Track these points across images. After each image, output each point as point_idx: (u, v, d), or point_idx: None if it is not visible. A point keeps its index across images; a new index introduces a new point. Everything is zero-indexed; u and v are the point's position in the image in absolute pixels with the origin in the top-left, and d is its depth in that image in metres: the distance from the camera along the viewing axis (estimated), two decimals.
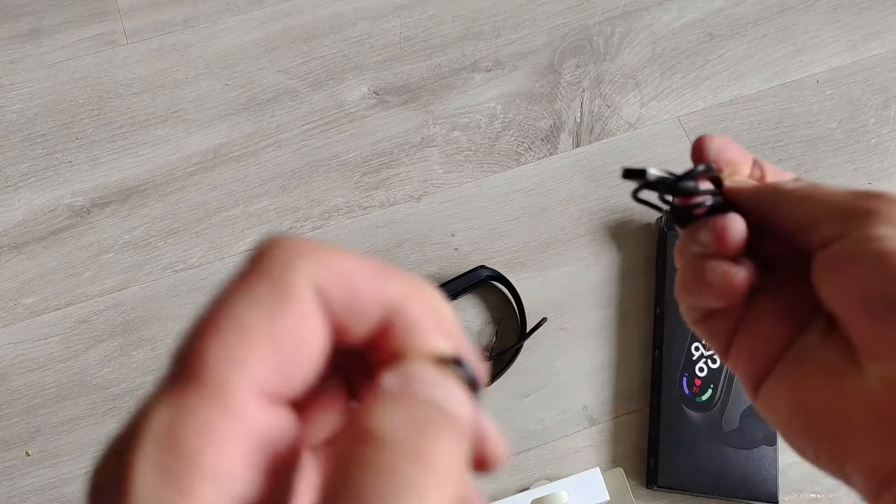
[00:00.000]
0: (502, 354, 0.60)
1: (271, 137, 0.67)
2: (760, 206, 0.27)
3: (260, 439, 0.15)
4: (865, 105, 0.69)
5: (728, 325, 0.28)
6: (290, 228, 0.64)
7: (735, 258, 0.27)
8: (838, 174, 0.66)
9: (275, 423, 0.15)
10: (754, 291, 0.28)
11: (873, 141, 0.68)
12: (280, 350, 0.15)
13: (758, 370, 0.27)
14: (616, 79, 0.69)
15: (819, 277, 0.24)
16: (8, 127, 0.67)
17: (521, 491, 0.56)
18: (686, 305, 0.29)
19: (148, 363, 0.60)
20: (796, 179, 0.28)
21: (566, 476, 0.56)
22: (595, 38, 0.71)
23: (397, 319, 0.16)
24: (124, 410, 0.59)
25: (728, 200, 0.29)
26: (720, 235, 0.27)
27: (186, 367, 0.14)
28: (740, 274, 0.27)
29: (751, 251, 0.28)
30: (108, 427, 0.59)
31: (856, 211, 0.24)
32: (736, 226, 0.27)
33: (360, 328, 0.16)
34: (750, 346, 0.27)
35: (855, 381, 0.23)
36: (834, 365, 0.24)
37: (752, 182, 0.29)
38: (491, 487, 0.57)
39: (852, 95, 0.69)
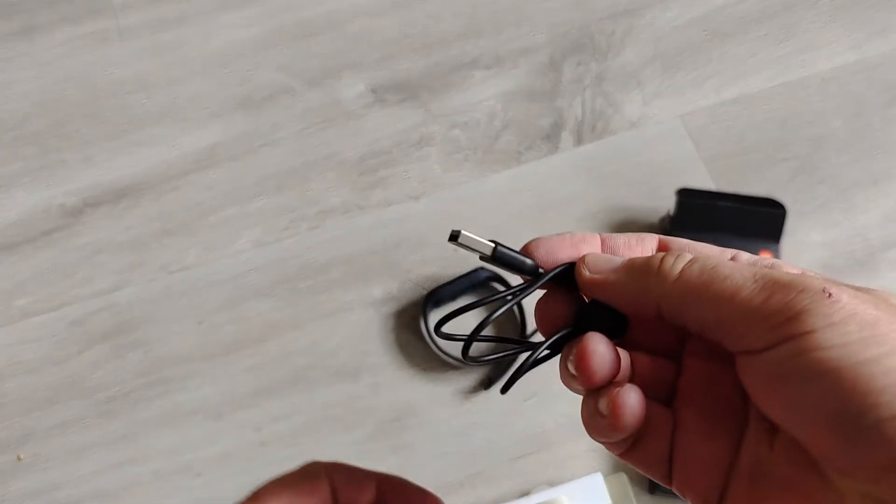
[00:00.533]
0: (502, 357, 0.59)
1: (268, 136, 0.66)
2: (641, 301, 0.24)
3: None
4: (870, 104, 0.68)
5: (659, 453, 0.25)
6: (287, 228, 0.63)
7: (617, 377, 0.24)
8: (843, 173, 0.66)
9: None
10: (671, 398, 0.25)
11: (878, 140, 0.67)
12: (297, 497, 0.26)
13: (709, 496, 0.24)
14: (618, 77, 0.68)
15: (756, 391, 0.22)
16: (0, 126, 0.66)
17: (522, 496, 0.55)
18: (601, 444, 0.26)
19: (142, 365, 0.59)
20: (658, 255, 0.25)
21: (567, 481, 0.55)
22: (596, 36, 0.70)
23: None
24: (118, 413, 0.58)
25: (597, 306, 0.25)
26: (580, 369, 0.24)
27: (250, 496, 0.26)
28: (629, 398, 0.24)
29: (652, 336, 0.25)
30: (101, 430, 0.58)
31: (779, 314, 0.21)
32: (595, 351, 0.24)
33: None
34: (691, 471, 0.24)
35: (831, 500, 0.21)
36: (798, 482, 0.22)
37: (618, 262, 0.25)
38: (491, 493, 0.56)
39: (857, 94, 0.68)
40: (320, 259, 0.63)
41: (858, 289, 0.22)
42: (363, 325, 0.61)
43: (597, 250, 0.27)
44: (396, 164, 0.66)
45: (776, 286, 0.21)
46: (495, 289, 0.62)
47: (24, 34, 0.69)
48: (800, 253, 0.63)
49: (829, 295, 0.21)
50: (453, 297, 0.61)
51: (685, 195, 0.61)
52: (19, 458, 0.57)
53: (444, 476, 0.57)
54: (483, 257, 0.26)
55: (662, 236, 0.27)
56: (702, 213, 0.61)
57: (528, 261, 0.26)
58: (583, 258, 0.26)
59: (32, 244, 0.63)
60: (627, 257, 0.26)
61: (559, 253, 0.26)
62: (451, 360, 0.59)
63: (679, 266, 0.23)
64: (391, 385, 0.59)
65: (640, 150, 0.66)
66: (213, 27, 0.69)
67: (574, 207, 0.64)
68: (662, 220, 0.63)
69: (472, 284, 0.61)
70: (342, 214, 0.64)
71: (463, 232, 0.26)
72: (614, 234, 0.27)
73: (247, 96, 0.67)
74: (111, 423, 0.58)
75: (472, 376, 0.59)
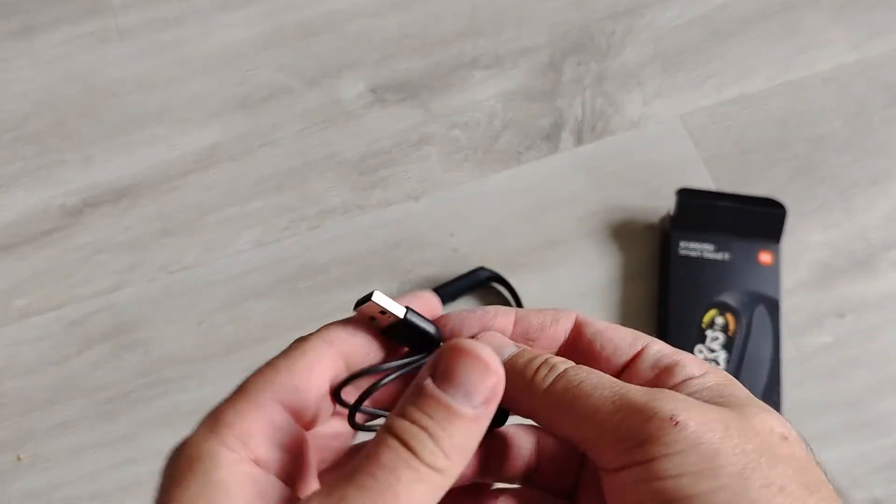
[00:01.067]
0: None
1: (267, 136, 0.66)
2: (513, 405, 0.25)
3: (269, 422, 0.23)
4: (870, 104, 0.68)
5: None
6: (287, 228, 0.63)
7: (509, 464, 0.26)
8: (843, 173, 0.66)
9: (286, 420, 0.23)
10: (574, 491, 0.26)
11: (878, 140, 0.67)
12: (293, 376, 0.24)
13: None
14: (618, 77, 0.68)
15: None
16: (0, 126, 0.66)
17: None
18: None
19: (141, 365, 0.59)
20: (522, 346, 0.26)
21: None
22: (597, 36, 0.70)
23: None
24: (117, 413, 0.58)
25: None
26: None
27: (239, 386, 0.24)
28: None
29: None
30: (101, 430, 0.58)
31: (630, 438, 0.22)
32: None
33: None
34: None
35: None
36: None
37: (506, 355, 0.25)
38: None
39: (857, 94, 0.68)
40: (320, 259, 0.63)
41: (721, 408, 0.22)
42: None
43: (508, 328, 0.27)
44: (396, 164, 0.65)
45: (630, 410, 0.22)
46: (495, 289, 0.62)
47: (23, 34, 0.69)
48: (800, 253, 0.63)
49: (676, 423, 0.21)
50: (453, 297, 0.61)
51: (685, 195, 0.61)
52: (19, 458, 0.57)
53: None
54: (395, 322, 0.26)
55: (581, 316, 0.27)
56: (702, 214, 0.61)
57: (432, 329, 0.26)
58: (476, 339, 0.26)
59: (32, 244, 0.63)
60: (517, 350, 0.26)
61: (466, 328, 0.26)
62: None
63: (549, 379, 0.24)
64: None
65: (641, 150, 0.66)
66: (212, 27, 0.69)
67: (574, 207, 0.64)
68: (662, 220, 0.63)
69: (472, 284, 0.61)
70: (342, 214, 0.64)
71: (376, 293, 0.25)
72: (532, 312, 0.27)
73: (246, 96, 0.67)
74: (111, 423, 0.58)
75: None
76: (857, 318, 0.62)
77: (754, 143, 0.66)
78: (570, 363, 0.25)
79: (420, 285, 0.62)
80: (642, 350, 0.26)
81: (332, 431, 0.26)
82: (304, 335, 0.25)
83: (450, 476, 0.21)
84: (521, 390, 0.24)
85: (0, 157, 0.65)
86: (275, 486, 0.22)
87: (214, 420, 0.22)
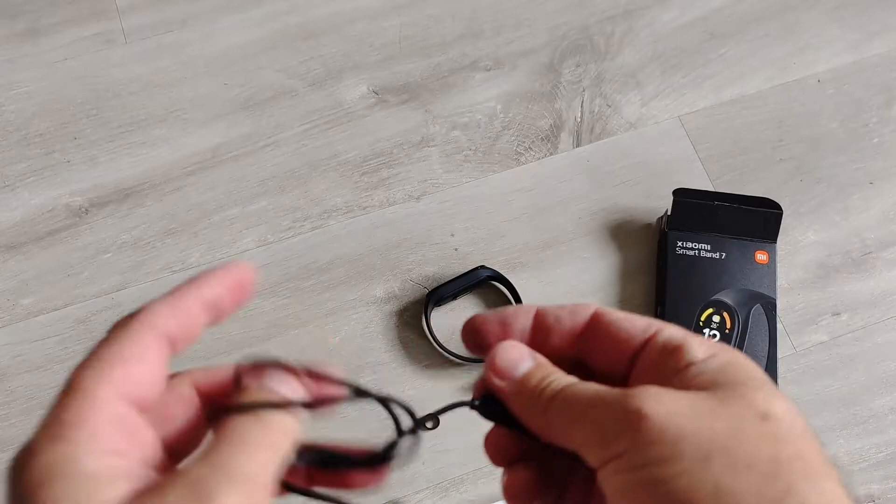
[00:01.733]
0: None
1: (270, 137, 0.67)
2: (524, 419, 0.27)
3: (114, 416, 0.23)
4: (867, 104, 0.68)
5: None
6: (289, 228, 0.64)
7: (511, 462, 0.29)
8: (840, 174, 0.66)
9: (126, 410, 0.23)
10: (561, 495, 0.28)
11: (875, 140, 0.67)
12: (126, 367, 0.23)
13: None
14: (617, 78, 0.69)
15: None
16: (5, 127, 0.67)
17: None
18: None
19: None
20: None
21: None
22: (595, 37, 0.70)
23: None
24: None
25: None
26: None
27: (69, 384, 0.23)
28: (506, 479, 0.28)
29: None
30: None
31: (607, 435, 0.23)
32: (488, 439, 0.30)
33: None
34: None
35: None
36: None
37: (520, 371, 0.27)
38: (492, 489, 0.57)
39: (854, 95, 0.69)
40: (323, 258, 0.63)
41: (700, 392, 0.23)
42: (365, 323, 0.61)
43: (527, 326, 0.28)
44: (398, 165, 0.66)
45: (605, 410, 0.24)
46: (495, 287, 0.63)
47: (28, 35, 0.70)
48: (797, 252, 0.64)
49: (642, 416, 0.23)
50: (454, 296, 0.61)
51: (681, 195, 0.62)
52: None
53: (446, 472, 0.58)
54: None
55: (600, 308, 0.28)
56: (698, 214, 0.61)
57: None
58: (494, 356, 0.28)
59: (37, 244, 0.63)
60: (531, 366, 0.27)
61: (489, 327, 0.29)
62: (452, 358, 0.60)
63: (550, 398, 0.26)
64: (393, 382, 0.60)
65: (639, 150, 0.67)
66: (215, 29, 0.70)
67: (573, 208, 0.65)
68: (660, 219, 0.63)
69: (473, 283, 0.61)
70: (344, 214, 0.65)
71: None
72: (552, 307, 0.28)
73: (249, 97, 0.68)
74: None
75: (474, 373, 0.60)
76: (852, 316, 0.62)
77: (752, 143, 0.67)
78: (572, 381, 0.26)
79: (421, 284, 0.62)
80: (653, 335, 0.27)
81: (171, 400, 0.26)
82: (123, 319, 0.25)
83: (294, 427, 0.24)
84: (529, 407, 0.27)
85: (6, 158, 0.66)
86: (139, 470, 0.23)
87: (57, 424, 0.22)
